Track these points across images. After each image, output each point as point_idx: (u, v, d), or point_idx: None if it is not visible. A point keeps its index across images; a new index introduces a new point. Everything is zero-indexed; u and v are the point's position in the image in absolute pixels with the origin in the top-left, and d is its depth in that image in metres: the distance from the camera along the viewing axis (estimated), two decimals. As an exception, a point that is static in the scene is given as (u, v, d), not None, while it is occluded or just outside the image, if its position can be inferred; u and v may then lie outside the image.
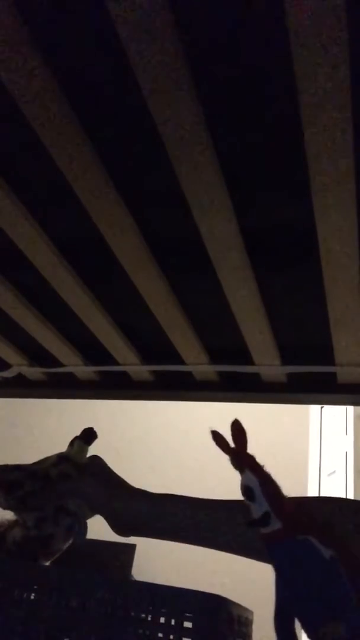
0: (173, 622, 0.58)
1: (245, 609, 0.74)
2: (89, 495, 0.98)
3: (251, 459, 0.73)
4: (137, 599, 0.62)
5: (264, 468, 0.73)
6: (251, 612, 0.77)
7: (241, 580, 2.42)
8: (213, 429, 0.76)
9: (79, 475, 1.01)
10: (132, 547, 2.48)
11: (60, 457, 1.04)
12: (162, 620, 0.59)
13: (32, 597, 0.66)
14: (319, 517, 0.76)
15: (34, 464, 1.04)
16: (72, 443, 1.08)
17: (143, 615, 0.61)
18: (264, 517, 0.69)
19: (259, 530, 0.70)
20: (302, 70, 0.50)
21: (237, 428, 0.75)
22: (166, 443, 3.17)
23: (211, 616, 0.59)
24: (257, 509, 0.70)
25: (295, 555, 0.67)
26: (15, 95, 0.57)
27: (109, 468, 1.03)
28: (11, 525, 1.01)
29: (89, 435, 1.08)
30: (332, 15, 0.46)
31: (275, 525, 0.68)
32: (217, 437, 0.75)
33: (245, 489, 0.71)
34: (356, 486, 2.59)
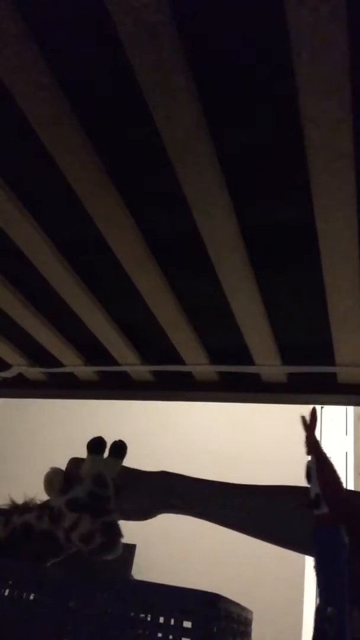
0: (172, 621, 0.58)
1: (245, 609, 0.74)
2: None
3: (314, 442, 0.79)
4: (136, 599, 0.62)
5: (324, 453, 0.78)
6: (251, 612, 0.77)
7: (242, 580, 2.42)
8: (302, 414, 0.83)
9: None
10: (132, 547, 2.48)
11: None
12: (161, 620, 0.59)
13: (31, 597, 0.66)
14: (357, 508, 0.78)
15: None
16: (92, 449, 0.94)
17: (142, 615, 0.61)
18: (315, 499, 0.72)
19: (312, 512, 0.73)
20: (303, 71, 0.50)
21: (312, 415, 0.82)
22: (166, 443, 3.17)
23: (210, 615, 0.59)
24: (312, 490, 0.74)
25: (333, 542, 0.69)
26: (14, 95, 0.57)
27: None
28: (26, 508, 0.91)
29: (121, 449, 0.95)
30: (332, 16, 0.46)
31: (324, 509, 0.71)
32: (304, 422, 0.83)
33: (307, 470, 0.77)
34: (356, 486, 2.59)
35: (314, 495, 0.73)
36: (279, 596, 2.53)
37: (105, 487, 0.89)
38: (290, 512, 0.86)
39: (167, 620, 0.59)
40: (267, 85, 0.55)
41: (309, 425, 0.81)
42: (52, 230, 0.79)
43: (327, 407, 2.87)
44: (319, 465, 0.76)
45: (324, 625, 0.65)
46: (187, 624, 0.59)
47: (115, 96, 0.59)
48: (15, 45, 0.53)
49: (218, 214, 0.68)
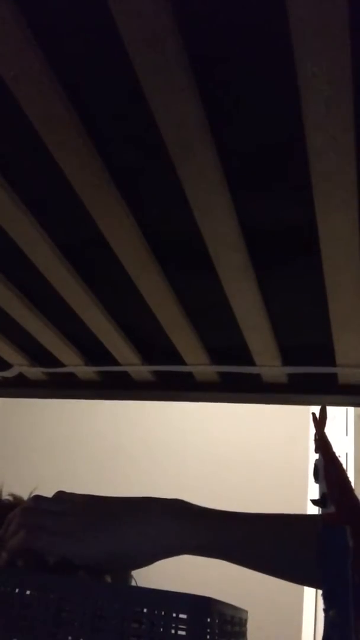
0: (163, 626, 0.58)
1: (239, 609, 0.74)
2: None
3: (323, 440, 0.78)
4: (129, 603, 0.61)
5: (333, 451, 0.77)
6: (246, 612, 0.77)
7: (241, 581, 2.42)
8: (313, 411, 0.83)
9: None
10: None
11: None
12: (153, 623, 0.59)
13: (27, 598, 0.66)
14: None
15: None
16: None
17: (135, 618, 0.61)
18: (322, 498, 0.71)
19: (321, 510, 0.72)
20: (303, 70, 0.50)
21: (321, 413, 0.81)
22: (167, 444, 3.17)
23: (202, 619, 0.58)
24: (319, 490, 0.73)
25: (338, 542, 0.68)
26: (15, 93, 0.57)
27: None
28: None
29: None
30: (332, 9, 0.45)
31: (331, 508, 0.70)
32: (314, 419, 0.82)
33: (314, 468, 0.76)
34: (356, 487, 2.59)
35: (321, 494, 0.73)
36: (279, 597, 2.52)
37: None
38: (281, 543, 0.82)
39: (158, 625, 0.59)
40: (268, 84, 0.55)
41: (319, 422, 0.80)
42: (52, 230, 0.79)
43: (327, 408, 2.86)
44: (327, 463, 0.75)
45: (328, 629, 0.64)
46: (180, 627, 0.58)
47: (115, 95, 0.59)
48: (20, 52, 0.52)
49: (218, 214, 0.67)
